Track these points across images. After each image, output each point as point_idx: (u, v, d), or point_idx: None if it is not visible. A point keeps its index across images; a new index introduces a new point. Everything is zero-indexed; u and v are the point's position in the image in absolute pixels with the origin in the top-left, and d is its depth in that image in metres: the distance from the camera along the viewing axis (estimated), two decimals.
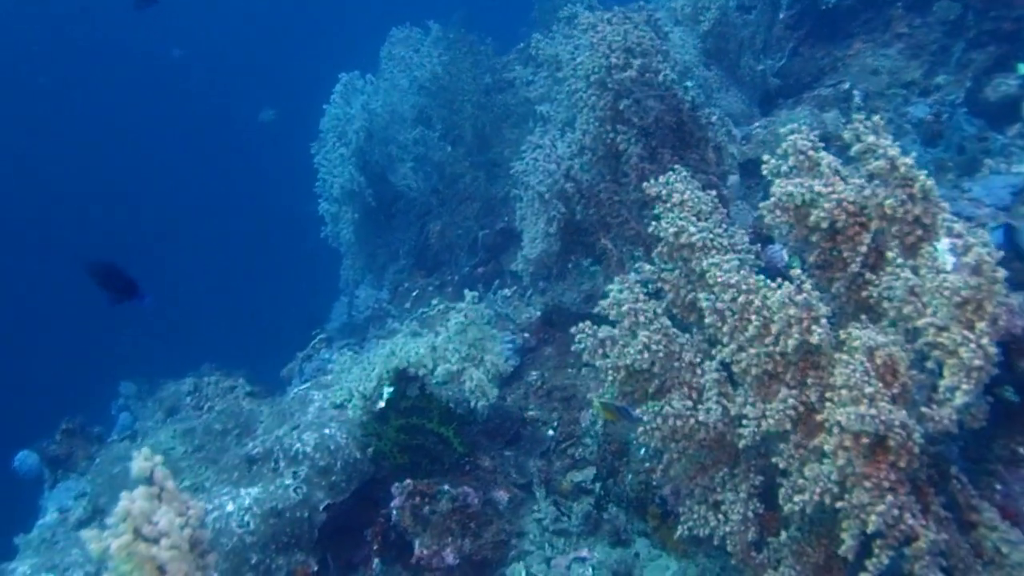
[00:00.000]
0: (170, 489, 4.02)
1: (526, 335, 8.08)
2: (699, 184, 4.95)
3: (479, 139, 11.63)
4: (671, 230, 4.62)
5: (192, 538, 4.00)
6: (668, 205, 4.78)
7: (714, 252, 4.56)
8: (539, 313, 8.44)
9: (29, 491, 9.63)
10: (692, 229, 4.58)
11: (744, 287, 4.19)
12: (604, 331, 4.64)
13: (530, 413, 7.23)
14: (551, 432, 7.01)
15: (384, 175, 12.46)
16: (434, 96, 11.97)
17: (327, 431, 6.28)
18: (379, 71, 13.02)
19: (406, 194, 12.41)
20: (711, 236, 4.60)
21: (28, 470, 9.57)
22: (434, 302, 10.97)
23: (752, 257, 4.66)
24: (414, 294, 11.52)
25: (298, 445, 6.17)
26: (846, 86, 9.42)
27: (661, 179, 4.83)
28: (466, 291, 6.72)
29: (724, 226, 4.75)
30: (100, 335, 26.11)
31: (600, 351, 4.64)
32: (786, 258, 6.19)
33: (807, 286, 4.00)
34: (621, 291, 4.66)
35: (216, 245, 32.70)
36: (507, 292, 9.41)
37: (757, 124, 9.09)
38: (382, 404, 6.46)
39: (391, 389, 6.48)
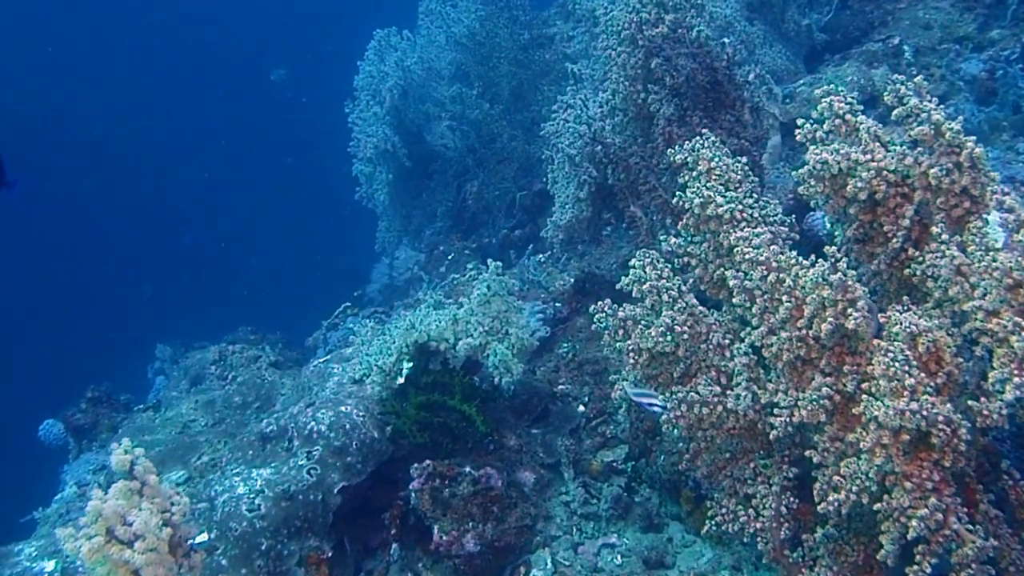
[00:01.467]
0: (152, 484, 3.75)
1: (558, 304, 7.74)
2: (730, 150, 4.59)
3: (517, 97, 11.27)
4: (697, 200, 4.27)
5: (175, 538, 3.74)
6: (694, 173, 4.42)
7: (743, 225, 4.20)
8: (572, 280, 8.10)
9: (54, 460, 9.52)
10: (719, 200, 4.23)
11: (775, 264, 3.84)
12: (625, 310, 4.31)
13: (560, 387, 6.91)
14: (581, 408, 6.69)
15: (420, 134, 12.15)
16: (471, 53, 11.61)
17: (343, 408, 6.00)
18: (417, 27, 12.67)
19: (443, 154, 12.09)
20: (740, 207, 4.24)
21: (53, 439, 9.46)
22: (469, 267, 10.69)
23: (785, 230, 4.30)
24: (450, 257, 11.23)
25: (312, 424, 5.89)
26: (896, 41, 8.93)
27: (687, 145, 4.48)
28: (489, 260, 6.39)
29: (755, 196, 4.38)
30: (138, 298, 26.12)
31: (621, 332, 4.31)
32: (827, 226, 5.80)
33: (843, 265, 3.64)
34: (643, 267, 4.32)
35: (261, 204, 32.58)
36: (541, 258, 9.06)
37: (802, 82, 8.66)
38: (401, 380, 6.17)
39: (411, 364, 6.18)
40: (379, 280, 14.13)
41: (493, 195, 11.26)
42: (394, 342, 6.20)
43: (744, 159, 4.49)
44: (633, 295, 4.31)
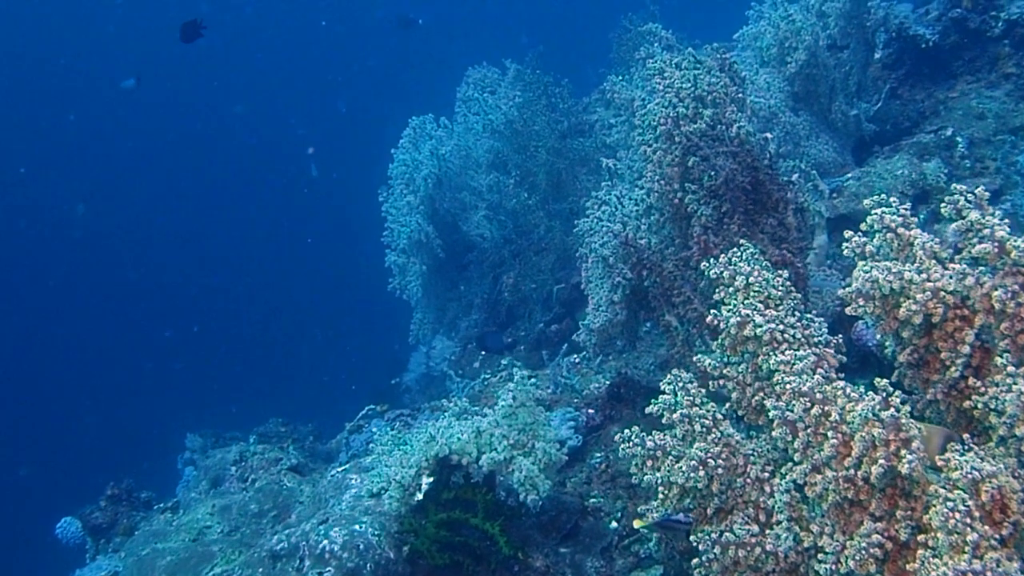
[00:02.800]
0: None
1: (591, 411, 7.34)
2: (770, 261, 4.21)
3: (555, 187, 10.97)
4: (733, 320, 3.90)
5: None
6: (731, 289, 4.05)
7: (784, 347, 3.81)
8: (607, 384, 7.71)
9: (71, 561, 9.21)
10: (758, 319, 3.85)
11: (819, 396, 3.45)
12: (654, 439, 3.92)
13: (591, 501, 6.50)
14: (614, 524, 6.26)
15: (455, 224, 11.88)
16: (508, 141, 11.36)
17: (357, 527, 5.62)
18: (454, 114, 12.46)
19: (479, 244, 11.81)
20: (781, 327, 3.85)
21: (71, 538, 9.17)
22: (503, 363, 10.33)
23: (831, 352, 3.90)
24: (483, 353, 10.87)
25: (325, 542, 5.51)
26: (948, 132, 8.54)
27: (723, 258, 4.11)
28: (515, 369, 6.02)
29: (798, 314, 4.00)
30: (172, 384, 25.96)
31: (650, 463, 3.92)
32: (878, 337, 5.39)
33: (896, 400, 3.25)
34: (675, 391, 3.94)
35: (299, 289, 32.47)
36: (575, 358, 8.68)
37: (850, 175, 8.29)
38: (420, 496, 5.77)
39: (431, 479, 5.79)
40: (416, 369, 13.80)
41: (530, 288, 10.92)
42: (413, 455, 5.82)
43: (786, 273, 4.11)
44: (663, 423, 3.92)
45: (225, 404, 19.12)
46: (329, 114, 38.98)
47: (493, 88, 12.34)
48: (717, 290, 4.11)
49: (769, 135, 5.97)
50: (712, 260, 4.16)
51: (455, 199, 11.84)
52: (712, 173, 5.33)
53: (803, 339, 3.88)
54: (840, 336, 4.02)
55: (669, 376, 4.02)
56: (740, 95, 5.92)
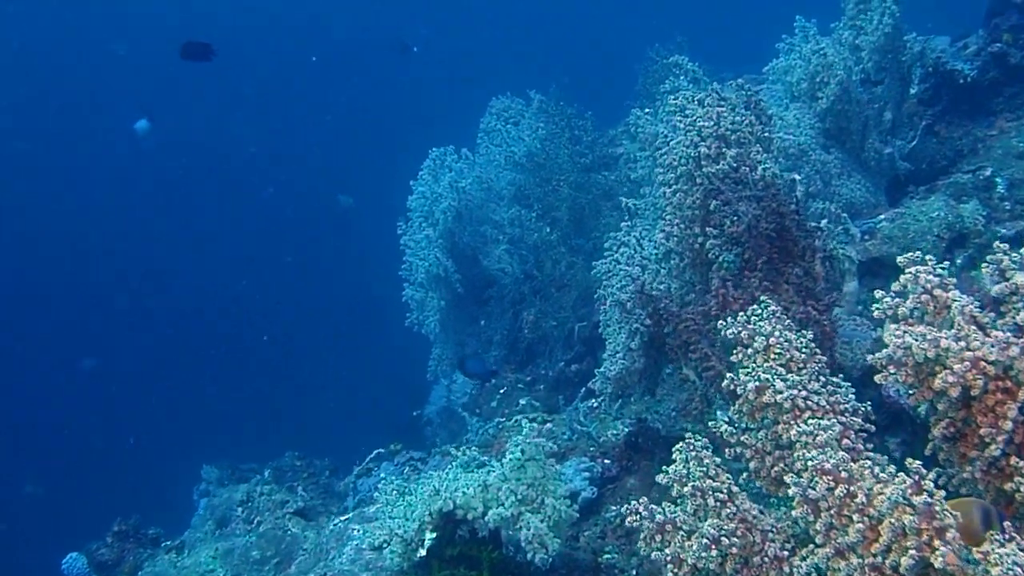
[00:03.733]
0: None
1: (607, 461, 7.01)
2: (793, 319, 3.90)
3: (577, 222, 10.68)
4: (752, 385, 3.58)
5: None
6: (750, 351, 3.73)
7: (807, 415, 3.49)
8: (627, 430, 7.38)
9: None
10: (779, 385, 3.54)
11: (844, 475, 3.12)
12: (664, 513, 3.60)
13: (605, 557, 6.16)
14: None
15: (476, 258, 11.60)
16: (531, 174, 11.08)
17: None
18: (476, 145, 12.20)
19: (499, 279, 11.51)
20: (804, 394, 3.53)
21: (76, 573, 8.91)
22: (522, 402, 10.03)
23: (859, 421, 3.58)
24: (502, 391, 10.56)
25: None
26: (987, 172, 8.18)
27: (741, 317, 3.79)
28: (524, 421, 5.72)
29: (822, 378, 3.67)
30: (190, 415, 25.78)
31: (659, 538, 3.60)
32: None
33: (929, 483, 2.92)
34: (687, 461, 3.62)
35: (317, 319, 32.22)
36: (593, 403, 8.34)
37: (883, 216, 7.92)
38: (423, 552, 5.47)
39: (434, 535, 5.48)
40: (437, 402, 13.52)
41: (550, 325, 10.60)
42: (416, 508, 5.52)
43: (810, 333, 3.78)
44: (674, 495, 3.61)
45: (243, 435, 18.90)
46: (348, 142, 38.78)
47: (517, 119, 12.07)
48: (735, 351, 3.80)
49: (797, 176, 5.65)
50: (730, 319, 3.85)
51: (476, 232, 11.56)
52: (734, 219, 5.02)
53: (828, 407, 3.56)
54: (868, 404, 3.69)
55: (681, 444, 3.70)
56: (766, 134, 5.63)
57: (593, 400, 8.23)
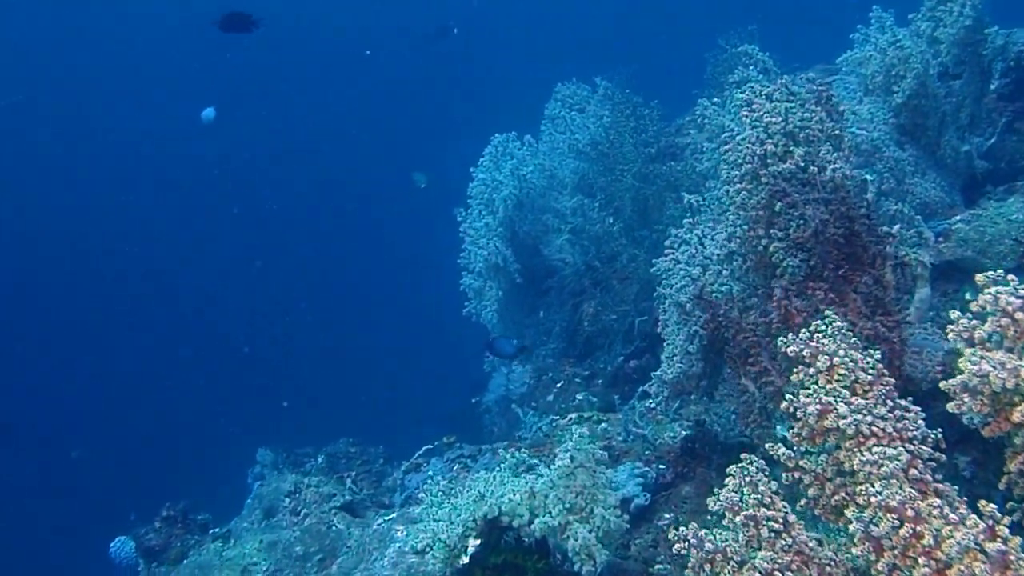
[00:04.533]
0: None
1: (661, 466, 6.77)
2: (861, 334, 3.64)
3: (640, 214, 10.40)
4: (813, 408, 3.33)
5: None
6: (811, 371, 3.48)
7: (871, 442, 3.24)
8: (684, 433, 7.13)
9: None
10: (842, 410, 3.28)
11: (910, 512, 2.88)
12: (714, 540, 3.37)
13: (657, 568, 5.93)
14: None
15: (536, 247, 11.38)
16: (594, 163, 10.84)
17: None
18: (540, 132, 11.98)
19: (560, 269, 11.28)
20: (869, 420, 3.28)
21: (123, 559, 8.87)
22: (579, 397, 9.81)
23: (928, 451, 3.31)
24: (558, 385, 10.33)
25: None
26: None
27: (803, 334, 3.54)
28: (574, 427, 5.50)
29: (890, 402, 3.41)
30: (248, 398, 25.86)
31: (707, 567, 3.37)
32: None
33: (1004, 530, 2.67)
34: (741, 487, 3.39)
35: (380, 305, 32.18)
36: (650, 403, 8.10)
37: (958, 217, 7.58)
38: (466, 560, 5.28)
39: (478, 542, 5.29)
40: (496, 390, 13.33)
41: (610, 318, 10.34)
42: (460, 513, 5.33)
43: (878, 354, 3.52)
44: (725, 523, 3.38)
45: (301, 420, 18.86)
46: (410, 126, 38.58)
47: (582, 106, 11.84)
48: (796, 369, 3.55)
49: (869, 176, 5.35)
50: (791, 336, 3.60)
51: (537, 221, 11.34)
52: (800, 223, 4.75)
53: (894, 433, 3.30)
54: (940, 430, 3.42)
55: (735, 467, 3.47)
56: (837, 132, 5.33)
57: (650, 400, 8.00)
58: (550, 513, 5.19)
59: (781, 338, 3.65)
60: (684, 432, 7.19)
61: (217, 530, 8.66)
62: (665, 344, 6.29)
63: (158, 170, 37.22)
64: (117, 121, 37.62)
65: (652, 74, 14.79)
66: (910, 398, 3.50)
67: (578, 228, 11.08)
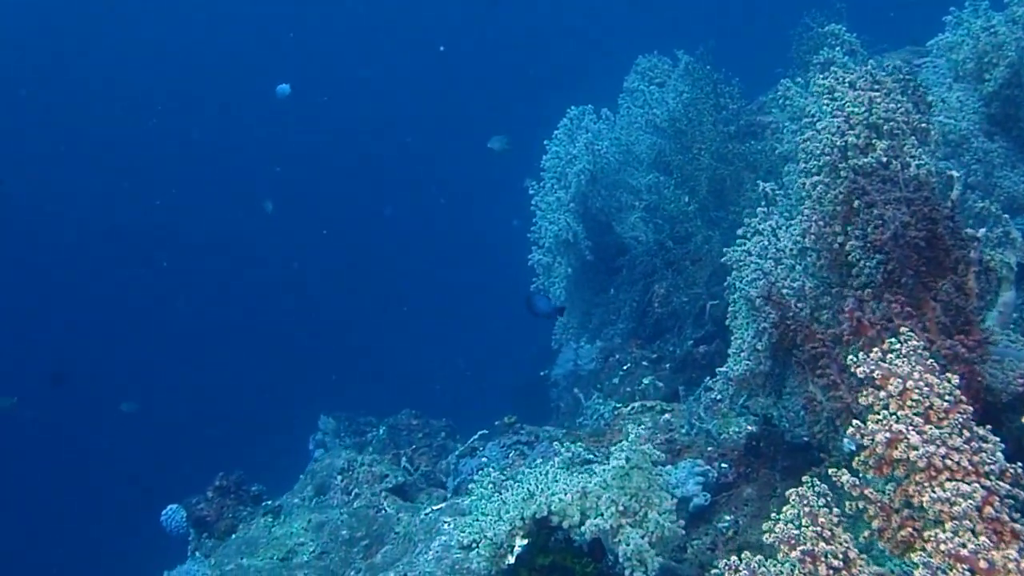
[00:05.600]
0: None
1: (724, 465, 6.49)
2: (938, 353, 3.36)
3: (716, 194, 10.09)
4: (882, 436, 3.06)
5: None
6: (882, 395, 3.21)
7: (944, 476, 2.98)
8: (752, 428, 6.86)
9: (172, 554, 8.85)
10: (913, 439, 3.02)
11: (983, 563, 2.62)
12: (767, 571, 3.13)
13: (714, 572, 5.67)
14: None
15: (609, 224, 11.13)
16: (672, 139, 10.54)
17: None
18: (618, 105, 11.69)
19: (632, 247, 11.01)
20: (942, 452, 3.01)
21: (175, 527, 8.79)
22: (645, 382, 9.56)
23: (1006, 487, 3.03)
24: (625, 367, 10.07)
25: None
26: None
27: (875, 354, 3.26)
28: (629, 426, 5.25)
29: (966, 432, 3.13)
30: (315, 367, 25.97)
31: None
32: None
33: None
34: (799, 516, 3.14)
35: (449, 277, 32.11)
36: (716, 394, 7.82)
37: None
38: (512, 560, 5.08)
39: (525, 542, 5.08)
40: (565, 365, 13.14)
41: (682, 301, 10.06)
42: (508, 510, 5.12)
43: (955, 378, 3.23)
44: (779, 557, 3.13)
45: (366, 389, 18.86)
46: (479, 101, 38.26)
47: (663, 80, 11.54)
48: (865, 392, 3.28)
49: (955, 173, 5.00)
50: (861, 356, 3.32)
51: (611, 197, 11.09)
52: (879, 224, 4.45)
53: (970, 467, 3.03)
54: (1020, 465, 3.13)
55: (795, 495, 3.22)
56: (924, 125, 5.02)
57: (715, 391, 7.74)
58: (602, 515, 4.97)
59: (851, 357, 3.38)
60: (750, 427, 6.93)
61: (269, 502, 8.56)
62: (733, 338, 6.04)
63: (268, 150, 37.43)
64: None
65: (734, 48, 14.43)
66: (989, 426, 3.22)
67: (653, 206, 10.82)
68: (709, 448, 6.87)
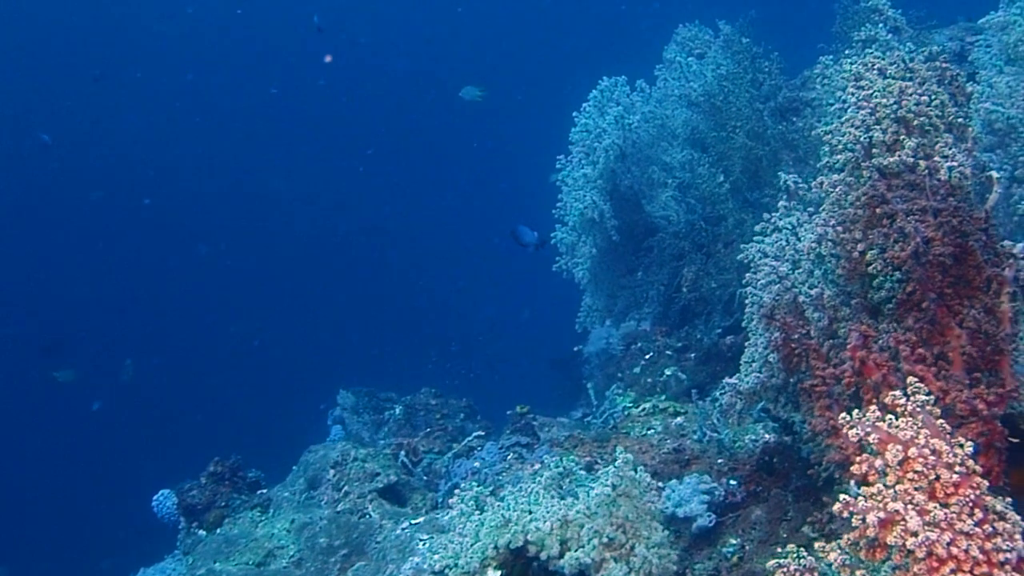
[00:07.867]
0: None
1: (732, 482, 5.95)
2: (955, 406, 2.81)
3: (751, 175, 9.47)
4: (873, 516, 2.53)
5: None
6: (878, 464, 2.67)
7: (948, 568, 2.44)
8: (769, 437, 6.34)
9: (161, 541, 8.53)
10: (911, 522, 2.48)
11: None
12: None
13: None
14: None
15: (638, 202, 10.52)
16: (707, 116, 9.92)
17: None
18: (655, 77, 11.08)
19: (662, 227, 10.43)
20: (947, 538, 2.47)
21: (165, 513, 8.46)
22: (667, 372, 9.04)
23: None
24: (647, 356, 9.54)
25: None
26: None
27: (872, 411, 2.72)
28: (618, 449, 4.74)
29: (978, 512, 2.59)
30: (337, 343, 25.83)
31: None
32: None
33: None
34: None
35: (481, 254, 31.80)
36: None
37: None
38: None
39: (498, 574, 4.60)
40: (596, 343, 12.66)
41: (711, 286, 9.47)
42: (479, 539, 4.64)
43: (969, 446, 2.67)
44: None
45: (394, 365, 18.56)
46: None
47: (702, 52, 10.92)
48: (858, 459, 2.73)
49: (995, 174, 4.40)
50: (856, 413, 2.78)
51: (642, 175, 10.47)
52: (899, 238, 3.87)
53: (980, 556, 2.49)
54: None
55: (775, 567, 2.70)
56: (961, 120, 4.42)
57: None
58: (583, 547, 4.49)
59: (843, 416, 2.83)
60: (767, 436, 6.41)
61: (264, 491, 8.21)
62: (747, 344, 5.52)
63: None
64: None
65: (782, 18, 13.81)
66: (1009, 499, 2.68)
67: (686, 184, 10.22)
68: (719, 460, 6.37)
